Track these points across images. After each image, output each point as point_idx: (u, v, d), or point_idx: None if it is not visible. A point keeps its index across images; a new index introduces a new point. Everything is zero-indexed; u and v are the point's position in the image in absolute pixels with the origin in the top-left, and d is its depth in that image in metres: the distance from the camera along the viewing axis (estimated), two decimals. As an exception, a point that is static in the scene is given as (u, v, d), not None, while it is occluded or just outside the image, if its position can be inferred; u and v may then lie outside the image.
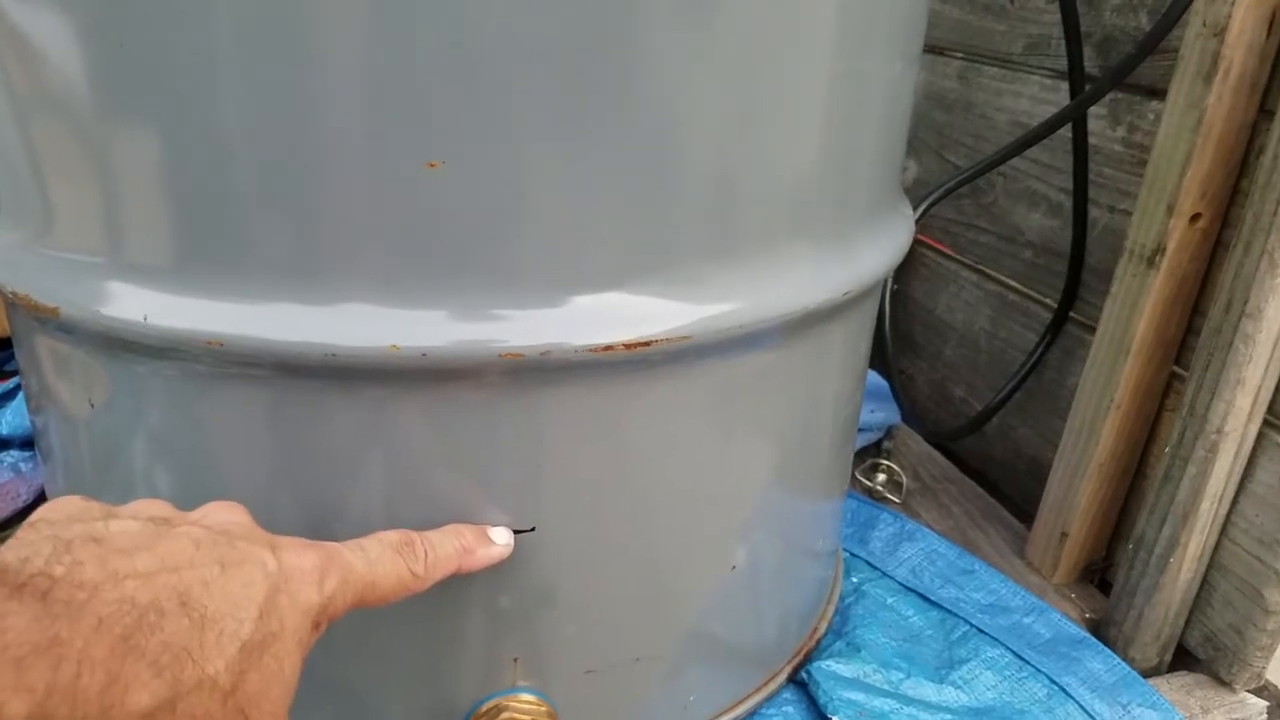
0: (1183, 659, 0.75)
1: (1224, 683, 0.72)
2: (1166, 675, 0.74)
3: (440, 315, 0.44)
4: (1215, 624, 0.72)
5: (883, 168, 0.58)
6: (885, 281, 0.75)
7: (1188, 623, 0.74)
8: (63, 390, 0.53)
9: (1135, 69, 0.70)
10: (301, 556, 0.38)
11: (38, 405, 0.59)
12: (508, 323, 0.45)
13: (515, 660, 0.53)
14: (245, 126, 0.41)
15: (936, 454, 1.00)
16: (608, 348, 0.45)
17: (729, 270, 0.49)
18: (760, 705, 0.65)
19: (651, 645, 0.57)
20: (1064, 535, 0.80)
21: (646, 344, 0.46)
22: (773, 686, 0.66)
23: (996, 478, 0.97)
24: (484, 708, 0.53)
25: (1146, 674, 0.72)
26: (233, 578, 0.35)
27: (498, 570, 0.50)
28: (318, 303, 0.44)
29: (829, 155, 0.51)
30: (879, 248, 0.59)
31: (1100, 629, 0.77)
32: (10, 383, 0.95)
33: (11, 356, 1.07)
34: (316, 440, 0.48)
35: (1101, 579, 0.82)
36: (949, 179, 0.85)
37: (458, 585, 0.51)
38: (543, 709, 0.53)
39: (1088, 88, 0.76)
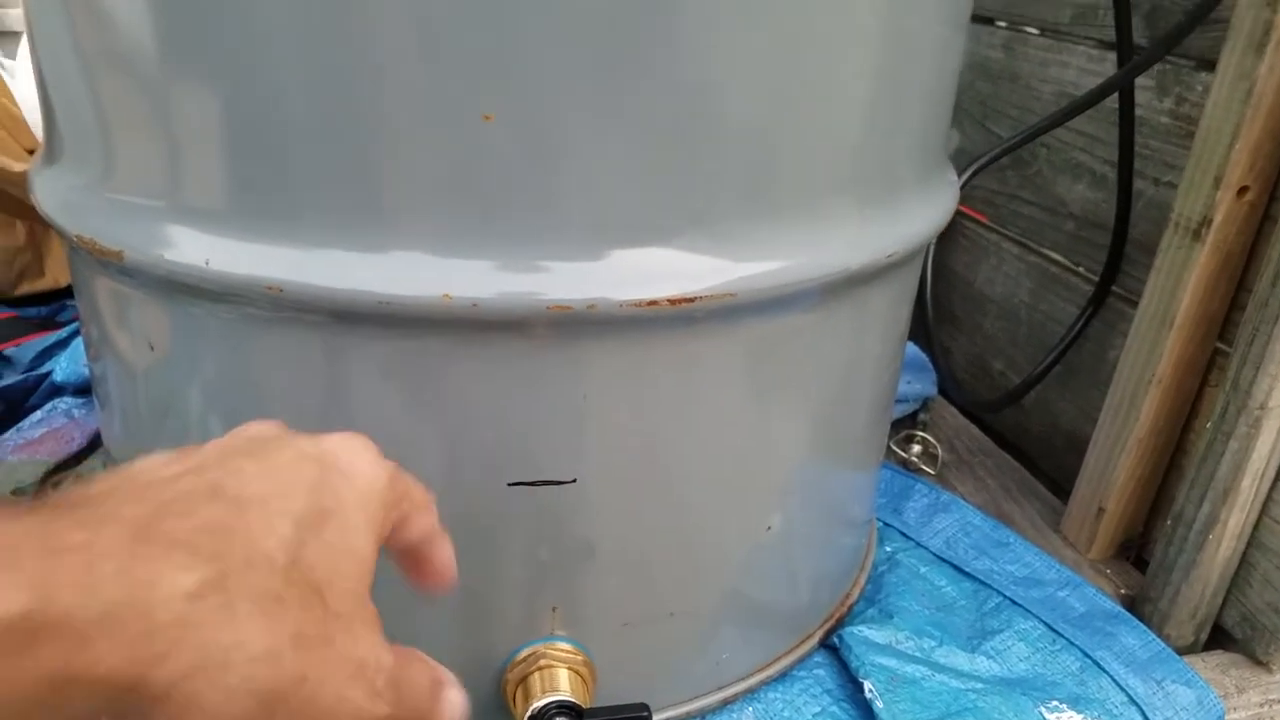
0: (1219, 638, 0.75)
1: (1260, 662, 0.72)
2: (1202, 654, 0.74)
3: (489, 265, 0.45)
4: (1253, 603, 0.72)
5: (929, 131, 0.58)
6: (928, 249, 0.75)
7: (1225, 601, 0.74)
8: (122, 334, 0.55)
9: (1185, 38, 0.69)
10: (349, 441, 0.34)
11: (97, 351, 0.60)
12: (554, 275, 0.45)
13: (554, 609, 0.54)
14: (306, 77, 0.42)
15: (973, 427, 1.00)
16: (652, 303, 0.46)
17: (772, 227, 0.49)
18: (791, 667, 0.66)
19: (686, 601, 0.58)
20: (1101, 510, 0.80)
21: (690, 300, 0.47)
22: (804, 649, 0.67)
23: (1033, 452, 0.96)
24: (522, 654, 0.54)
25: (1182, 652, 0.72)
26: (270, 465, 0.32)
27: (538, 520, 0.52)
28: (372, 250, 0.44)
29: (875, 114, 0.52)
30: (923, 211, 0.59)
31: (1136, 605, 0.77)
32: (63, 331, 0.97)
33: (63, 308, 1.10)
34: (365, 387, 0.49)
35: (1138, 556, 0.82)
36: (993, 148, 0.84)
37: (499, 534, 0.52)
38: (579, 658, 0.54)
39: (1135, 57, 0.75)
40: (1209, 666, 0.71)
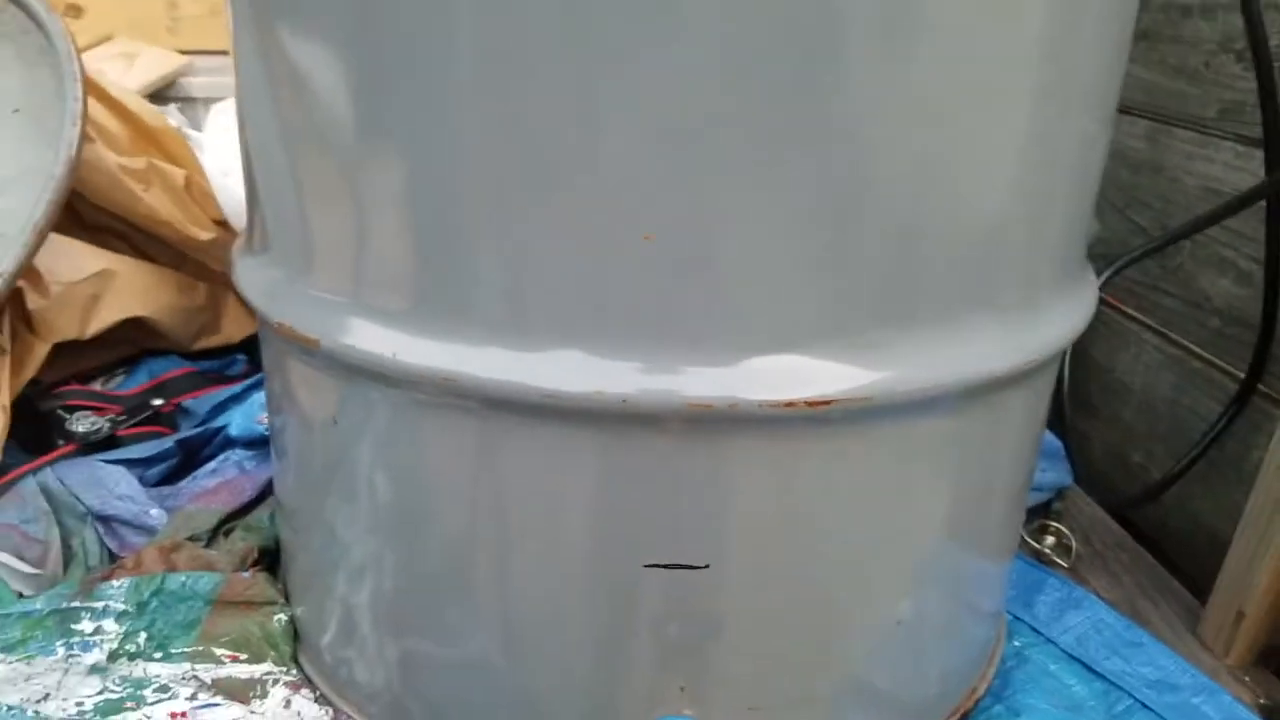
0: (1364, 756, 0.72)
1: None
2: (1344, 770, 0.71)
3: (636, 368, 0.49)
4: (1403, 723, 0.69)
5: (1071, 234, 0.60)
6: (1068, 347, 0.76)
7: (1373, 719, 0.71)
8: (306, 405, 0.61)
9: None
10: None
11: (279, 411, 0.67)
12: (696, 377, 0.49)
13: (681, 689, 0.57)
14: (482, 208, 0.48)
15: (1109, 519, 0.98)
16: (789, 404, 0.49)
17: (910, 337, 0.51)
18: (914, 757, 0.67)
19: (813, 689, 0.60)
20: (1240, 615, 0.78)
21: (826, 403, 0.50)
22: (928, 740, 0.68)
23: (1171, 549, 0.94)
24: (652, 728, 0.57)
25: (1323, 768, 0.70)
26: None
27: (670, 601, 0.55)
28: (532, 350, 0.49)
29: (1017, 226, 0.53)
30: (1062, 316, 0.60)
31: (1275, 717, 0.75)
32: (238, 387, 1.05)
33: (233, 362, 1.19)
34: (516, 471, 0.54)
35: (1280, 665, 0.79)
36: (1137, 247, 0.85)
37: (633, 612, 0.55)
38: (705, 736, 0.57)
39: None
40: (1355, 788, 0.69)
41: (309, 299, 0.55)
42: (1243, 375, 0.83)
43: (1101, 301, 1.02)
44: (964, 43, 0.46)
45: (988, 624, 0.73)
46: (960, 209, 0.51)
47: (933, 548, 0.60)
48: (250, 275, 0.61)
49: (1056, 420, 1.01)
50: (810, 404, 0.49)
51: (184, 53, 1.97)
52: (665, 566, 0.54)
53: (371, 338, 0.52)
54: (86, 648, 0.69)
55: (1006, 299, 0.55)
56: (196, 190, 1.13)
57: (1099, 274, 0.90)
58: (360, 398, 0.56)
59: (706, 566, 0.54)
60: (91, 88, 1.01)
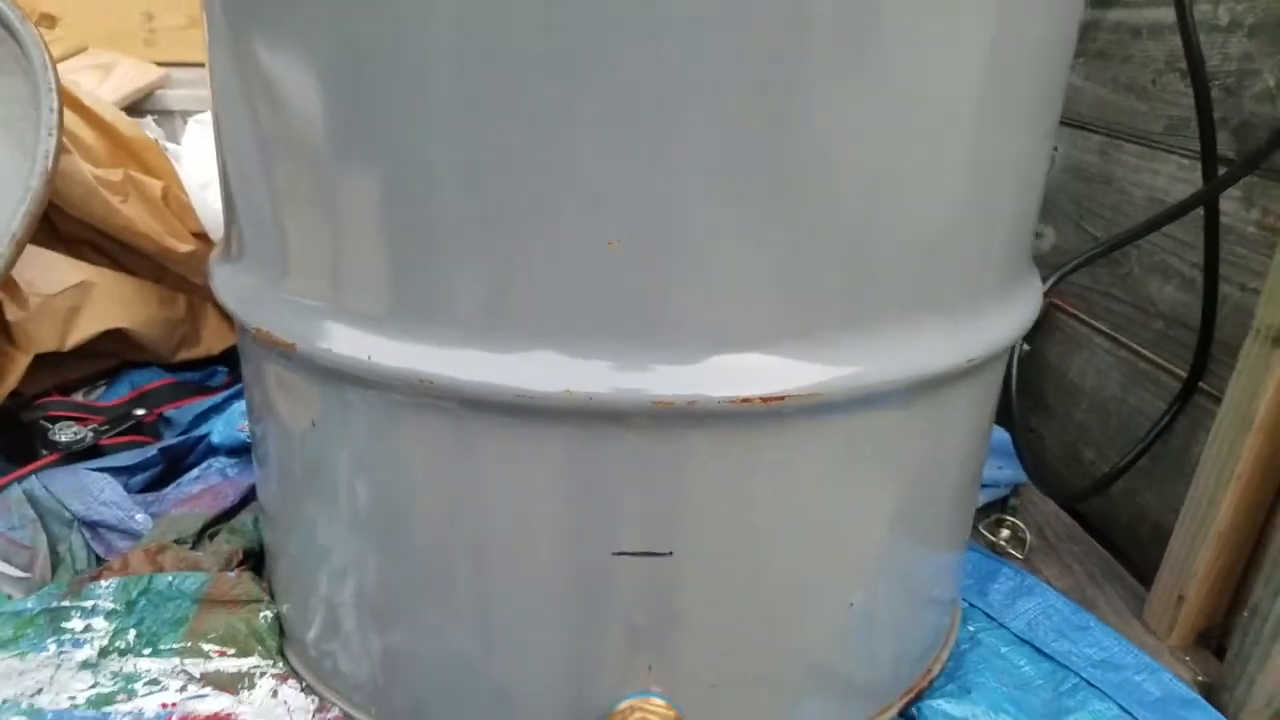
0: (1298, 730, 0.76)
1: (1337, 756, 0.73)
2: (1278, 744, 0.75)
3: (606, 366, 0.52)
4: (1331, 697, 0.73)
5: (1013, 242, 0.63)
6: (1014, 347, 0.79)
7: (1304, 694, 0.75)
8: (284, 409, 0.64)
9: (1267, 159, 0.73)
10: None
11: (259, 418, 0.69)
12: (661, 375, 0.52)
13: (649, 668, 0.60)
14: (454, 214, 0.51)
15: (1063, 514, 1.02)
16: (745, 400, 0.53)
17: (859, 336, 0.55)
18: (871, 735, 0.70)
19: (769, 667, 0.63)
20: (1181, 599, 0.82)
21: (780, 398, 0.53)
22: (883, 719, 0.71)
23: (1120, 541, 0.99)
24: (620, 706, 0.60)
25: (1259, 742, 0.74)
26: None
27: (637, 587, 0.58)
28: (506, 350, 0.52)
29: (961, 233, 0.57)
30: (1005, 319, 0.64)
31: (1212, 693, 0.79)
32: (219, 397, 1.08)
33: (214, 373, 1.21)
34: (492, 467, 0.57)
35: (1219, 645, 0.83)
36: (1083, 251, 0.89)
37: (604, 597, 0.59)
38: (670, 713, 0.60)
39: (1221, 170, 0.79)
40: (1286, 759, 0.73)
41: (286, 304, 0.58)
42: (1185, 375, 0.88)
43: (1056, 308, 1.07)
44: (913, 73, 0.50)
45: (941, 610, 0.76)
46: (908, 221, 0.54)
47: (883, 535, 0.64)
48: (228, 282, 0.64)
49: (1007, 421, 1.05)
50: (765, 400, 0.53)
51: (161, 65, 1.98)
52: (633, 554, 0.57)
53: (348, 341, 0.55)
54: (77, 644, 0.72)
55: (952, 302, 0.59)
56: (174, 202, 1.16)
57: (1048, 280, 0.94)
58: (338, 400, 0.59)
59: (670, 554, 0.57)
60: (67, 98, 1.03)
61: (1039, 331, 1.10)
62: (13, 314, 1.00)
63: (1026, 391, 1.12)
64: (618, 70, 0.47)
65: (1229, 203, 0.83)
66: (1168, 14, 0.89)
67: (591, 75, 0.47)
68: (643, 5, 0.46)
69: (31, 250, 1.01)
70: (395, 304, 0.54)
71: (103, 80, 1.74)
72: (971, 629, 0.83)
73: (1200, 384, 0.87)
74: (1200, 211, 0.82)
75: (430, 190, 0.51)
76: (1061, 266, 0.93)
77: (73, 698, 0.69)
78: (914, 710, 0.72)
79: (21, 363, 1.01)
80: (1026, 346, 1.10)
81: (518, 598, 0.61)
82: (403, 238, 0.53)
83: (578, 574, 0.59)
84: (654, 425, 0.54)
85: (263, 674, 0.72)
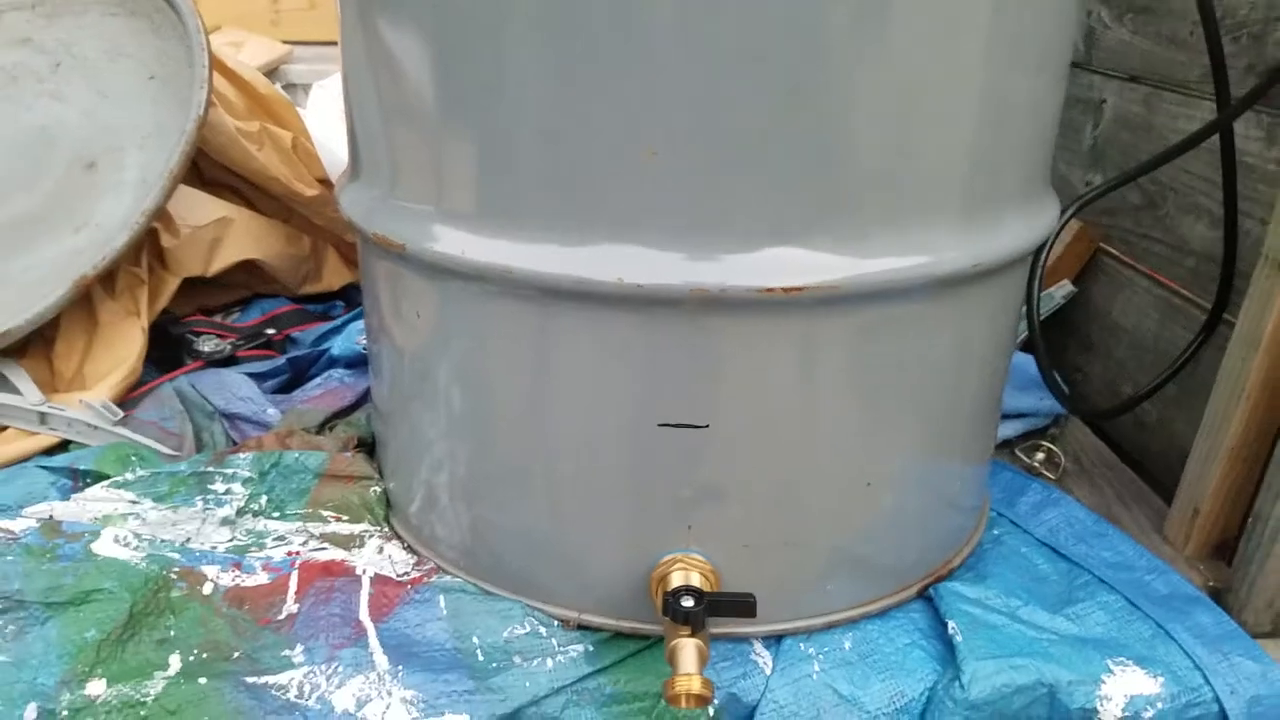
0: (1298, 629, 0.83)
1: (1330, 650, 0.79)
2: (1276, 640, 0.82)
3: (651, 258, 0.63)
4: (1324, 596, 0.80)
5: (1025, 167, 0.72)
6: (1037, 262, 0.86)
7: (1301, 595, 0.82)
8: (395, 303, 0.76)
9: (1266, 92, 0.79)
10: None
11: (373, 322, 0.82)
12: (699, 267, 0.63)
13: (689, 527, 0.71)
14: (530, 135, 0.62)
15: (1102, 445, 1.09)
16: (769, 290, 0.63)
17: (883, 237, 0.65)
18: (890, 608, 0.79)
19: (795, 535, 0.73)
20: (1196, 512, 0.89)
21: (800, 289, 0.63)
22: (903, 596, 0.80)
23: (1153, 467, 1.05)
24: (665, 559, 0.71)
25: (1258, 636, 0.80)
26: None
27: (678, 455, 0.69)
28: (573, 245, 0.63)
29: (976, 153, 0.66)
30: (1018, 232, 0.72)
31: (1220, 595, 0.86)
32: (338, 321, 1.22)
33: (334, 306, 1.36)
34: (561, 346, 0.68)
35: (1232, 556, 0.90)
36: (1096, 187, 0.96)
37: (651, 463, 0.70)
38: (707, 567, 0.71)
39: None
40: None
41: (397, 209, 0.70)
42: (1210, 308, 0.94)
43: (1103, 251, 1.14)
44: (931, 24, 0.60)
45: (962, 513, 0.85)
46: (929, 142, 0.64)
47: (897, 426, 0.73)
48: (352, 197, 0.77)
49: (1058, 358, 1.13)
50: (786, 290, 0.63)
51: (286, 42, 2.16)
52: (674, 426, 0.68)
53: (446, 240, 0.67)
54: (220, 503, 0.86)
55: (969, 213, 0.68)
56: (302, 151, 1.31)
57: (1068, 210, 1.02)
58: (439, 291, 0.71)
59: (707, 426, 0.68)
60: (214, 61, 1.18)
61: (1086, 275, 1.17)
62: (166, 241, 1.16)
63: (1074, 333, 1.19)
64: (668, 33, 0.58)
65: (1252, 143, 0.89)
66: (1207, -32, 0.95)
67: (645, 39, 0.58)
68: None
69: (181, 189, 1.16)
70: (483, 208, 0.66)
71: (234, 56, 1.91)
72: (996, 533, 0.91)
73: (1224, 315, 0.93)
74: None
75: (513, 122, 0.62)
76: (1108, 211, 1.00)
77: (214, 546, 0.83)
78: (931, 591, 0.81)
79: (172, 284, 1.16)
80: (1074, 289, 1.17)
81: (580, 464, 0.72)
82: (489, 155, 0.64)
83: (628, 444, 0.70)
84: (691, 310, 0.64)
85: (371, 536, 0.85)
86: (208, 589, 0.77)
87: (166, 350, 1.16)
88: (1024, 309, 0.89)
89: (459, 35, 0.62)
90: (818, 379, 0.69)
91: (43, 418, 0.98)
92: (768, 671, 0.74)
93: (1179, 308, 1.01)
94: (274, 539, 0.84)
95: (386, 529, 0.86)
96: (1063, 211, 0.84)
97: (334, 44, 0.75)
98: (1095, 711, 0.72)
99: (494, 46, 0.61)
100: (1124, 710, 0.72)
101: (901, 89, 0.62)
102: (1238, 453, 0.86)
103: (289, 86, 2.13)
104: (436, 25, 0.63)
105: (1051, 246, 0.87)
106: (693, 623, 0.66)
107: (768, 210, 0.62)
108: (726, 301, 0.63)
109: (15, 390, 1.01)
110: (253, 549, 0.83)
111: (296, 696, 0.70)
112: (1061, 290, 1.17)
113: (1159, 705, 0.73)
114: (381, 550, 0.83)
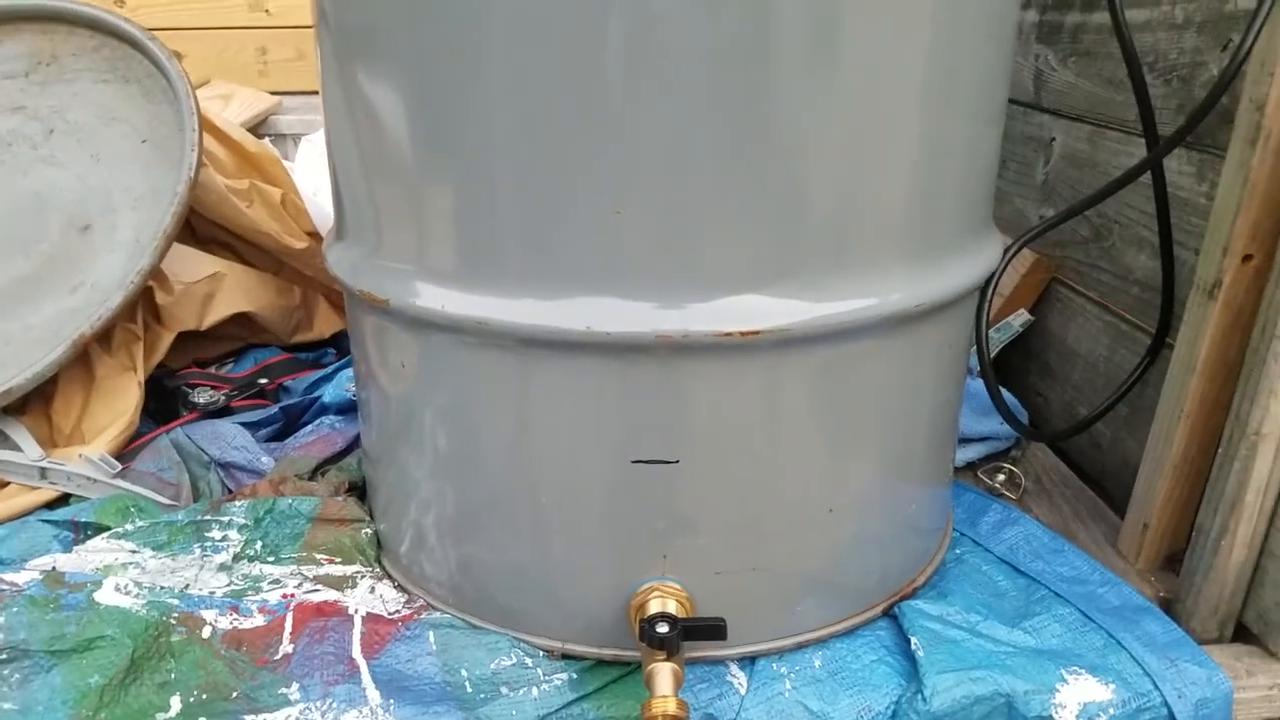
0: (1242, 635, 0.88)
1: (1272, 654, 0.84)
2: (1221, 645, 0.86)
3: (618, 309, 0.68)
4: (1265, 603, 0.84)
5: (965, 209, 0.77)
6: (983, 296, 0.92)
7: (1245, 602, 0.86)
8: (382, 356, 0.81)
9: (1189, 134, 0.85)
10: None
11: (361, 371, 0.87)
12: (662, 315, 0.68)
13: (664, 556, 0.76)
14: (507, 199, 0.67)
15: (1062, 465, 1.14)
16: (727, 334, 0.68)
17: (830, 282, 0.70)
18: (857, 627, 0.84)
19: (765, 560, 0.78)
20: (1146, 526, 0.94)
21: (756, 333, 0.68)
22: (869, 614, 0.85)
23: (1109, 485, 1.10)
24: (643, 587, 0.76)
25: (1206, 644, 0.85)
26: None
27: (652, 489, 0.73)
28: (548, 298, 0.69)
29: (916, 199, 0.72)
30: (962, 269, 0.78)
31: (1171, 606, 0.90)
32: (329, 369, 1.27)
33: (325, 354, 1.41)
34: (538, 391, 0.73)
35: (1181, 567, 0.95)
36: (1038, 224, 1.02)
37: (627, 498, 0.74)
38: (683, 594, 0.75)
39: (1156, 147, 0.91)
40: (1225, 655, 0.84)
41: (380, 269, 0.75)
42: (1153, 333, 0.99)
43: (1057, 281, 1.19)
44: (868, 80, 0.66)
45: (924, 535, 0.90)
46: (873, 196, 0.69)
47: (856, 455, 0.78)
48: (338, 256, 0.82)
49: (1020, 383, 1.18)
50: (744, 334, 0.68)
51: (274, 93, 2.22)
52: (647, 462, 0.73)
53: (427, 295, 0.72)
54: (217, 550, 0.90)
55: (911, 255, 0.73)
56: (290, 206, 1.36)
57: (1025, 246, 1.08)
58: (422, 344, 0.76)
59: (677, 462, 0.73)
60: (203, 121, 1.23)
61: (1043, 303, 1.22)
62: (161, 298, 1.21)
63: (1034, 359, 1.24)
64: (629, 87, 0.63)
65: (1185, 179, 0.95)
66: (1137, 14, 1.01)
67: (606, 96, 0.63)
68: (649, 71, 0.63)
69: (175, 247, 1.21)
70: (461, 265, 0.71)
71: (224, 108, 1.97)
72: (958, 552, 0.96)
73: (1167, 340, 0.99)
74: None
75: (489, 185, 0.68)
76: (1058, 243, 1.06)
77: (212, 591, 0.87)
78: (896, 609, 0.86)
79: (167, 339, 1.21)
80: (1031, 318, 1.22)
81: (560, 501, 0.76)
82: (465, 218, 0.70)
83: (607, 479, 0.74)
84: (660, 355, 0.69)
85: (363, 577, 0.89)
86: (206, 632, 0.81)
87: (163, 402, 1.21)
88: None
89: (442, 102, 0.67)
90: (779, 414, 0.74)
91: (43, 473, 1.03)
92: (742, 691, 0.78)
93: (1126, 333, 1.07)
94: (269, 582, 0.88)
95: (378, 569, 0.90)
96: (1009, 247, 0.89)
97: (320, 93, 0.81)
98: (1051, 719, 0.77)
99: (468, 125, 0.66)
100: (1078, 717, 0.77)
101: (845, 148, 0.67)
102: (1181, 469, 0.91)
103: (278, 137, 2.18)
104: (418, 93, 0.69)
105: (999, 281, 0.92)
106: (668, 647, 0.71)
107: (726, 262, 0.68)
108: (690, 346, 0.68)
109: (16, 447, 1.05)
110: (249, 593, 0.87)
111: (296, 731, 0.74)
112: (1019, 319, 1.22)
113: (1111, 711, 0.78)
114: (373, 590, 0.87)
